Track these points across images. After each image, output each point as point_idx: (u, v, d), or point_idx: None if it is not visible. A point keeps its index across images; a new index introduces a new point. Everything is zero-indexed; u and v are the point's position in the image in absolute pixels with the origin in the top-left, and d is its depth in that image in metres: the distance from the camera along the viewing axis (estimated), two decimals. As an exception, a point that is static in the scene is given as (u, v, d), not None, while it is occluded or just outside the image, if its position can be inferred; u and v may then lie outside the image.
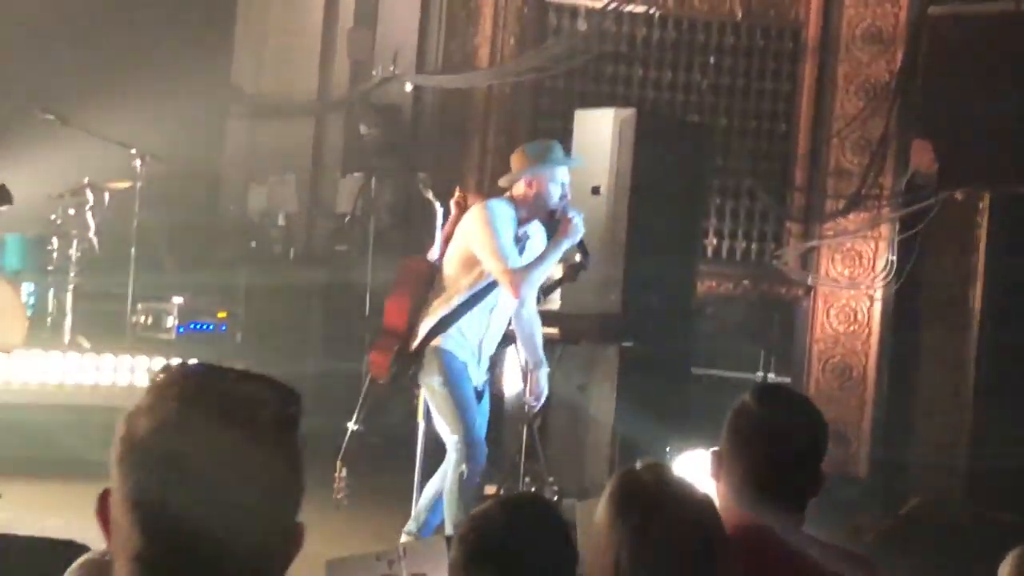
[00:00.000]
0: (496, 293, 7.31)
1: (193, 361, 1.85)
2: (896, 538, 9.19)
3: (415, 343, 7.30)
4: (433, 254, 7.70)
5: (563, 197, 7.37)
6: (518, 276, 7.14)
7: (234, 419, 1.72)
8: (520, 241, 7.34)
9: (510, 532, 3.14)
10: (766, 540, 3.22)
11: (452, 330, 7.26)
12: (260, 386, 1.80)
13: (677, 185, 9.80)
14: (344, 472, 8.00)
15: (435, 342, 7.26)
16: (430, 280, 7.46)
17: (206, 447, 1.69)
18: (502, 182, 7.51)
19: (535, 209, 7.35)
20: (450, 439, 7.22)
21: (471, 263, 7.27)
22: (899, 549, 9.00)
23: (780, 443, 3.29)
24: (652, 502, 2.68)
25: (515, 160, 7.43)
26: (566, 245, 7.32)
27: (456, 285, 7.32)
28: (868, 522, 9.18)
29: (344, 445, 7.83)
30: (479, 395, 7.40)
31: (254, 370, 1.84)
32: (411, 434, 7.96)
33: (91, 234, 11.36)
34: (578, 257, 7.69)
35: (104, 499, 1.76)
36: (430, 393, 7.33)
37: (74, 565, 2.37)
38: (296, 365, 10.86)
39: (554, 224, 7.41)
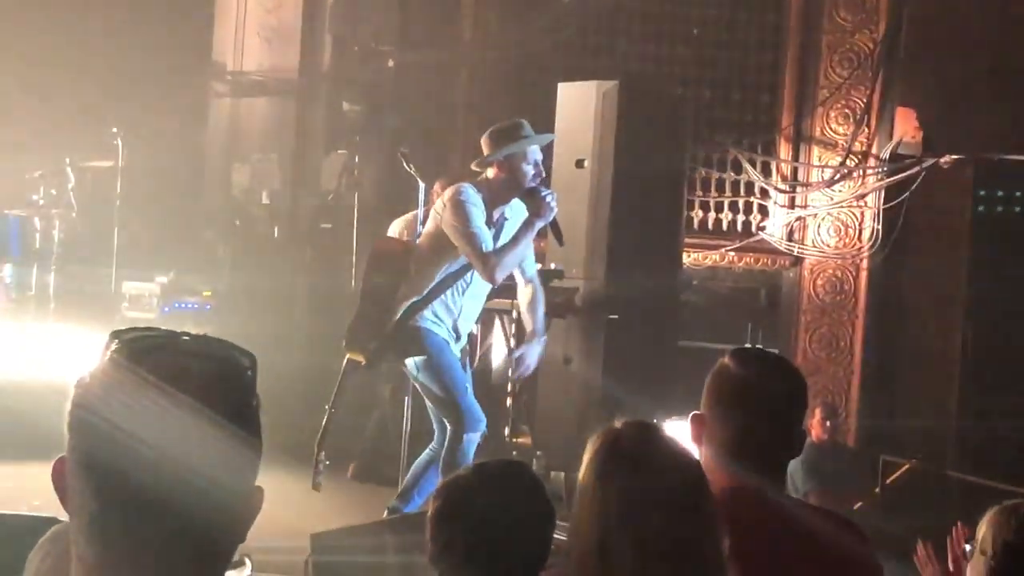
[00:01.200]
0: (469, 276, 7.29)
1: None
2: (884, 506, 9.19)
3: (391, 322, 7.28)
4: (416, 231, 7.68)
5: (537, 175, 7.33)
6: (492, 260, 7.11)
7: (185, 381, 1.69)
8: (498, 223, 7.31)
9: (480, 492, 3.13)
10: (751, 500, 3.20)
11: (426, 312, 7.24)
12: (213, 347, 1.77)
13: (661, 157, 9.76)
14: (322, 455, 7.97)
15: (411, 321, 7.24)
16: (403, 260, 7.42)
17: (156, 409, 1.66)
18: (474, 166, 7.47)
19: (510, 190, 7.32)
20: (445, 413, 7.19)
21: (443, 246, 7.24)
22: (887, 517, 9.00)
23: (760, 403, 3.27)
24: (638, 462, 2.64)
25: (484, 144, 7.39)
26: (539, 225, 7.29)
27: (429, 267, 7.30)
28: (856, 490, 9.18)
29: (322, 428, 7.79)
30: (457, 338, 7.41)
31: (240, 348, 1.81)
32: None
33: (73, 214, 11.32)
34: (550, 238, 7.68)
35: (59, 466, 1.73)
36: (415, 371, 7.29)
37: (47, 534, 2.35)
38: (282, 344, 10.83)
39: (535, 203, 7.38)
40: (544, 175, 7.44)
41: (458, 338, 7.39)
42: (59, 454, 1.74)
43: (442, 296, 7.29)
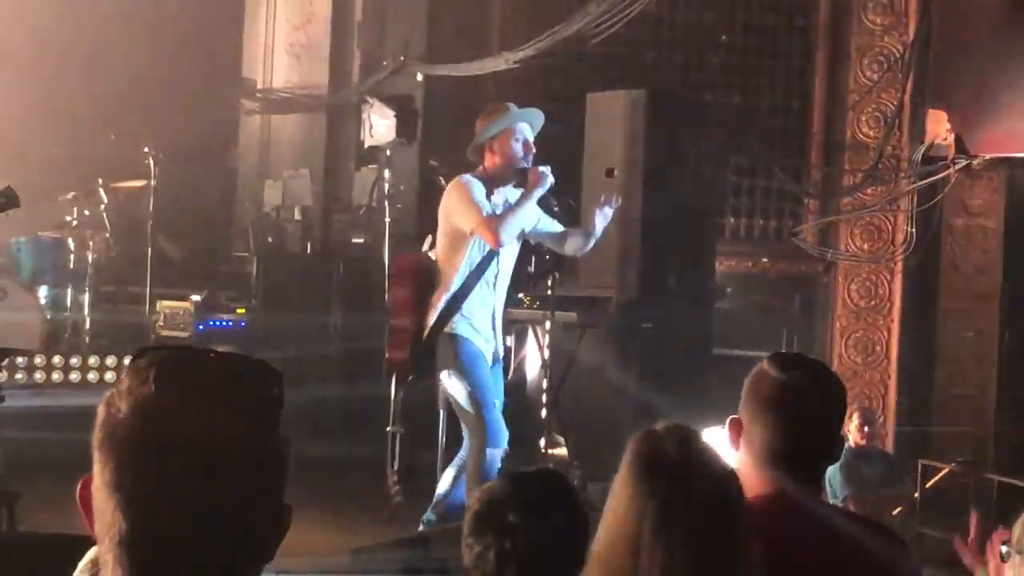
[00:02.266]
0: (493, 263, 7.28)
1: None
2: (924, 511, 9.13)
3: (426, 332, 7.27)
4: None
5: (528, 153, 7.34)
6: (494, 222, 7.10)
7: (213, 399, 1.69)
8: (504, 208, 7.29)
9: (514, 501, 3.12)
10: (786, 508, 3.18)
11: (460, 314, 7.23)
12: (240, 365, 1.76)
13: (692, 165, 9.75)
14: (396, 478, 7.92)
15: (447, 328, 7.23)
16: (427, 271, 7.42)
17: (184, 428, 1.65)
18: (468, 153, 7.50)
19: (505, 172, 7.33)
20: (470, 424, 7.19)
21: (457, 240, 7.26)
22: (927, 522, 8.95)
23: (799, 408, 3.24)
24: (676, 472, 2.61)
25: (478, 126, 7.45)
26: (537, 194, 7.27)
27: (451, 267, 7.30)
28: (895, 496, 9.12)
29: (388, 450, 7.74)
30: (493, 364, 7.37)
31: (274, 365, 1.80)
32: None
33: (107, 235, 11.37)
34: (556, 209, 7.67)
35: (86, 486, 1.73)
36: (446, 379, 7.30)
37: (85, 559, 2.34)
38: (317, 360, 10.84)
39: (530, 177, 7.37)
40: (534, 152, 7.41)
41: (494, 332, 7.36)
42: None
43: (471, 294, 7.27)
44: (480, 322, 7.28)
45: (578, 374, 9.38)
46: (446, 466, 7.62)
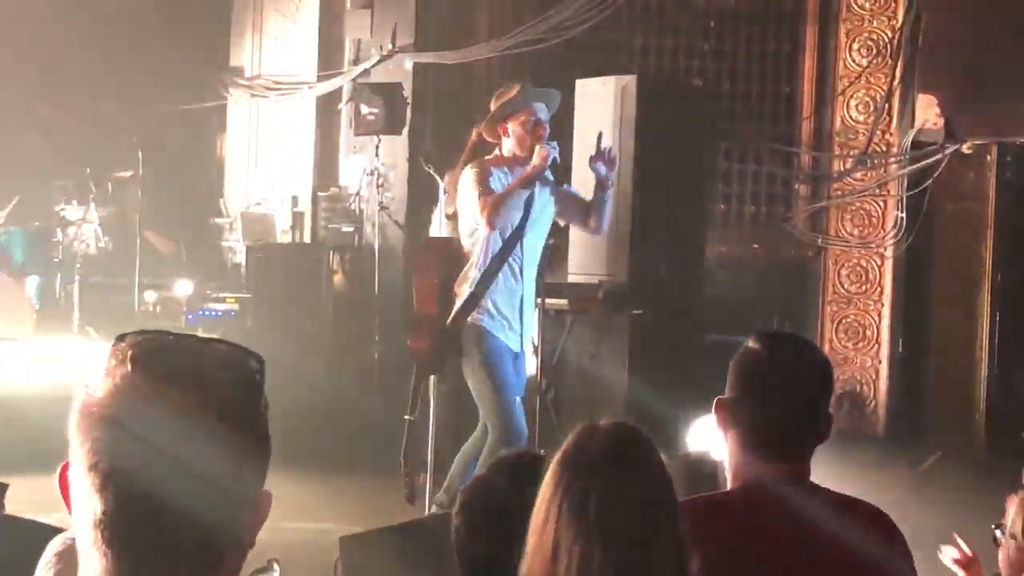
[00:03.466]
0: (517, 249, 7.21)
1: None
2: (916, 495, 9.14)
3: (451, 317, 7.19)
4: (433, 229, 7.63)
5: (542, 136, 7.25)
6: (488, 203, 7.02)
7: (191, 382, 1.66)
8: (528, 199, 7.24)
9: (496, 485, 3.10)
10: (766, 498, 3.15)
11: (485, 303, 7.15)
12: (220, 349, 1.74)
13: (682, 151, 9.73)
14: (409, 467, 7.88)
15: (472, 319, 7.14)
16: (454, 257, 7.32)
17: (161, 410, 1.63)
18: (484, 132, 7.36)
19: (519, 153, 7.23)
20: (489, 420, 7.11)
21: (477, 225, 7.18)
22: (919, 506, 8.95)
23: (787, 384, 3.22)
24: (599, 467, 2.56)
25: (491, 107, 7.36)
26: (537, 174, 7.20)
27: (472, 254, 7.22)
28: (887, 480, 9.13)
29: (404, 439, 7.70)
30: (518, 355, 7.31)
31: (266, 354, 1.78)
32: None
33: (96, 224, 11.35)
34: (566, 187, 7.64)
35: (65, 470, 1.71)
36: (468, 372, 7.19)
37: (48, 554, 2.32)
38: (308, 347, 10.83)
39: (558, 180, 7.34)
40: (548, 131, 7.36)
41: (522, 324, 7.25)
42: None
43: (498, 282, 7.19)
44: (506, 310, 7.18)
45: (568, 362, 9.37)
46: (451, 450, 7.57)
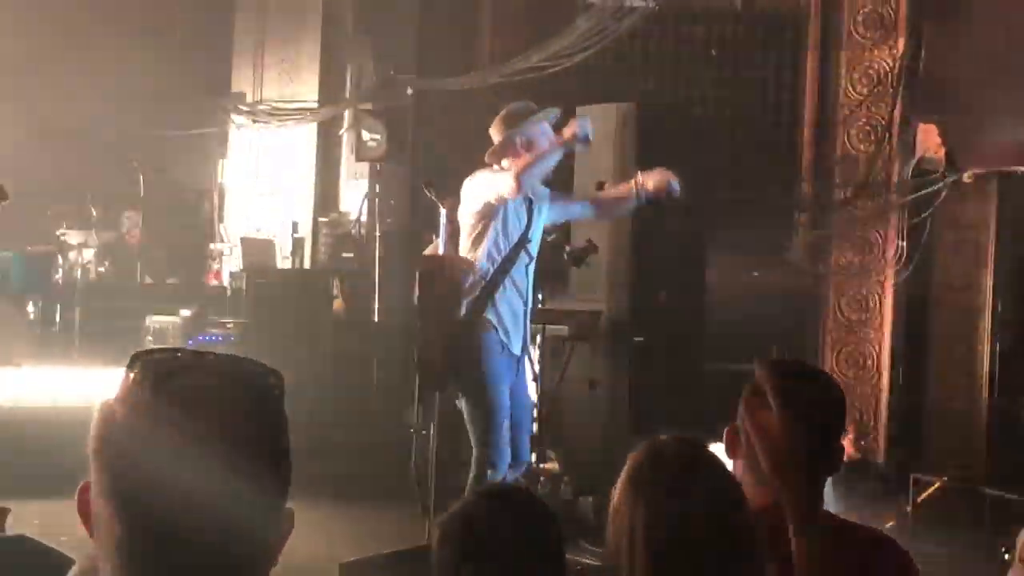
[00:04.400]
0: (522, 260, 7.21)
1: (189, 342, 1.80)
2: (916, 525, 9.13)
3: (459, 314, 7.14)
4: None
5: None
6: (519, 164, 7.05)
7: (211, 403, 1.65)
8: (524, 208, 7.24)
9: (476, 518, 3.05)
10: (776, 526, 3.14)
11: (488, 316, 7.12)
12: (239, 367, 1.73)
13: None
14: (419, 483, 7.85)
15: (473, 333, 7.12)
16: (456, 270, 7.28)
17: (180, 434, 1.62)
18: (490, 155, 7.35)
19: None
20: (476, 441, 7.09)
21: (479, 232, 7.19)
22: (920, 535, 8.94)
23: (800, 413, 3.21)
24: (672, 482, 2.57)
25: (498, 129, 7.33)
26: (569, 145, 7.24)
27: (478, 254, 7.19)
28: (887, 510, 9.12)
29: (413, 449, 7.68)
30: (519, 361, 7.30)
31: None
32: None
33: (96, 250, 11.36)
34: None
35: (84, 492, 1.70)
36: (464, 389, 7.18)
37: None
38: (308, 372, 10.82)
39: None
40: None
41: (525, 325, 7.26)
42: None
43: (506, 285, 7.17)
44: (508, 320, 7.17)
45: (569, 389, 9.36)
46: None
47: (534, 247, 7.33)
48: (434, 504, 7.44)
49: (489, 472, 6.97)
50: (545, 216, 7.47)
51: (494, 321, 7.12)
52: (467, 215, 7.24)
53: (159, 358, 1.70)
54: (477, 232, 7.18)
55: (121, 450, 1.64)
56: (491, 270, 7.14)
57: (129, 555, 1.63)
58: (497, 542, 2.98)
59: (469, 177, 7.29)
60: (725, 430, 3.27)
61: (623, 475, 2.62)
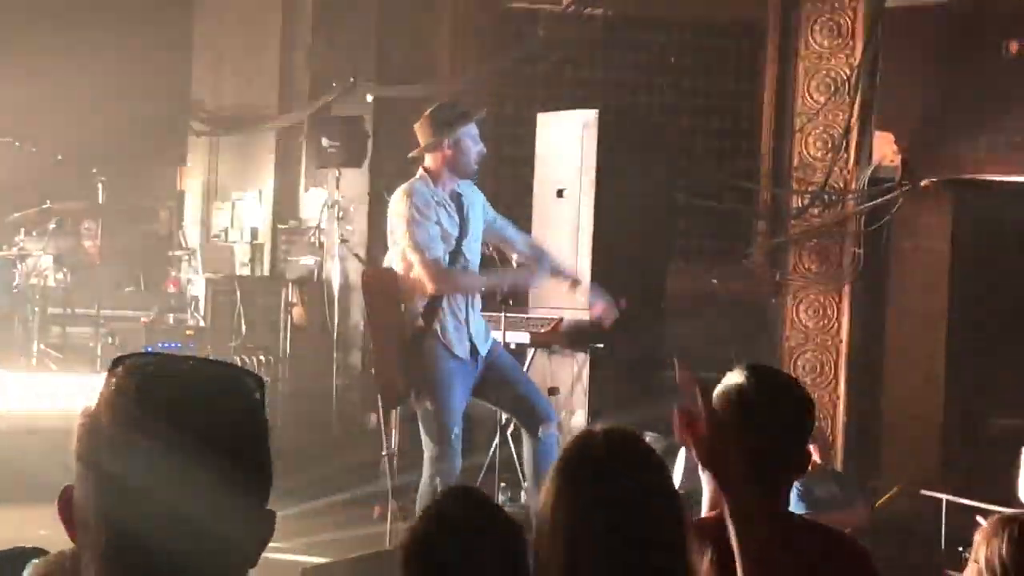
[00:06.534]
0: (459, 261, 7.21)
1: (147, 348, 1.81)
2: (873, 531, 9.18)
3: (408, 331, 7.15)
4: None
5: (480, 153, 7.26)
6: (440, 273, 7.05)
7: (192, 410, 1.67)
8: (455, 200, 7.23)
9: (436, 533, 3.00)
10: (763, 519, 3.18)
11: (436, 325, 7.11)
12: (219, 371, 1.75)
13: (643, 186, 9.77)
14: (395, 505, 7.85)
15: (424, 343, 7.11)
16: (395, 285, 7.27)
17: (164, 440, 1.63)
18: (415, 154, 7.33)
19: (457, 171, 7.22)
20: (428, 448, 7.09)
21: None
22: (876, 541, 8.98)
23: (766, 418, 3.25)
24: (600, 471, 2.57)
25: (426, 128, 7.26)
26: (517, 281, 7.30)
27: (413, 278, 7.15)
28: (846, 516, 9.16)
29: (389, 476, 7.69)
30: (495, 354, 7.35)
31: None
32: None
33: (55, 257, 11.30)
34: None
35: (67, 495, 1.71)
36: (417, 399, 7.19)
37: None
38: (267, 380, 10.79)
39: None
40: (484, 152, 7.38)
41: (473, 324, 7.25)
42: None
43: (444, 299, 7.15)
44: (451, 327, 7.15)
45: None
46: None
47: (471, 250, 7.32)
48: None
49: (443, 479, 6.97)
50: (482, 214, 7.43)
51: (437, 330, 7.13)
52: (393, 236, 7.22)
53: (140, 362, 1.71)
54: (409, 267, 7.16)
55: (106, 456, 1.65)
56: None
57: (113, 561, 1.65)
58: (453, 560, 2.94)
59: (401, 190, 7.21)
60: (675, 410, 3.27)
61: (553, 465, 2.62)
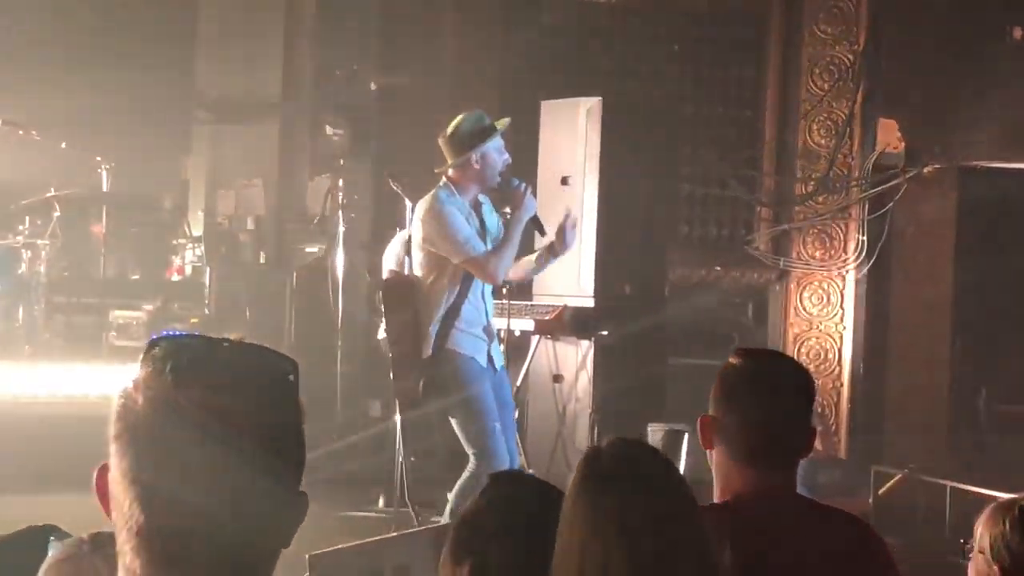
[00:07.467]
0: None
1: (184, 331, 1.82)
2: (877, 517, 9.19)
3: (427, 350, 7.11)
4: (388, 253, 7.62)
5: (504, 163, 7.21)
6: (491, 262, 7.00)
7: (230, 389, 1.69)
8: (479, 213, 7.20)
9: (489, 514, 3.01)
10: (768, 505, 3.19)
11: (457, 329, 7.09)
12: (255, 354, 1.76)
13: (646, 173, 9.78)
14: (414, 508, 7.85)
15: (448, 345, 7.08)
16: (416, 290, 7.22)
17: (201, 422, 1.65)
18: (441, 171, 7.22)
19: (482, 184, 7.17)
20: (472, 450, 7.03)
21: (442, 262, 7.09)
22: (881, 527, 8.99)
23: (770, 397, 3.27)
24: (614, 481, 2.58)
25: (452, 146, 7.15)
26: (526, 218, 7.18)
27: (439, 286, 7.11)
28: (849, 503, 9.17)
29: (403, 481, 7.71)
30: (502, 380, 7.31)
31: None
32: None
33: (59, 244, 11.30)
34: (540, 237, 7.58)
35: (102, 474, 1.73)
36: (449, 409, 7.12)
37: (58, 554, 2.34)
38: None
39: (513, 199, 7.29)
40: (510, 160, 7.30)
41: (491, 338, 7.25)
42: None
43: (465, 306, 7.12)
44: (479, 335, 7.14)
45: (533, 383, 9.40)
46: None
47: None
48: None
49: (492, 471, 6.90)
50: (496, 228, 7.39)
51: (458, 337, 7.10)
52: (424, 244, 7.18)
53: (177, 344, 1.73)
54: (439, 264, 7.12)
55: (142, 438, 1.67)
56: (452, 297, 7.12)
57: (148, 540, 1.67)
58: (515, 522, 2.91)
59: (429, 198, 7.18)
60: (698, 420, 3.32)
61: (570, 484, 2.62)
